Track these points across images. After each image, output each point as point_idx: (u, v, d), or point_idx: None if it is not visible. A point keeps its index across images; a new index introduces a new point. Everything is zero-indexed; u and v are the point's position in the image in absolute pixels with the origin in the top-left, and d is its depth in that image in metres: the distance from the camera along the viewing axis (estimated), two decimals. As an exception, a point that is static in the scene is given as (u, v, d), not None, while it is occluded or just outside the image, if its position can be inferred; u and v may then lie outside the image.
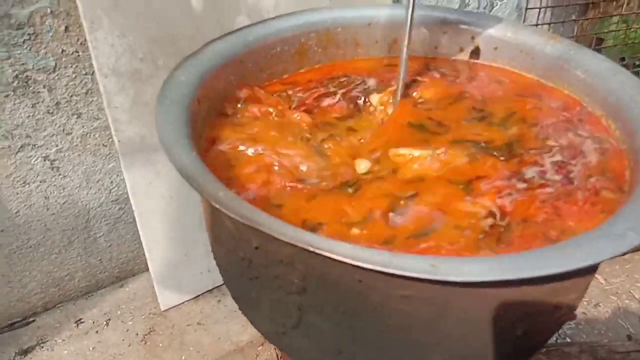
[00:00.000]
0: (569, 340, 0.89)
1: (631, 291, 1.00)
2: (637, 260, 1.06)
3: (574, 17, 1.21)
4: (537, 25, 1.13)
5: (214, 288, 0.98)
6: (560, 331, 0.91)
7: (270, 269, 0.40)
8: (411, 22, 0.54)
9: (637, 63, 1.29)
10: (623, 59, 1.20)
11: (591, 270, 0.41)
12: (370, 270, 0.31)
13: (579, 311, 0.96)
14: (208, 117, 0.54)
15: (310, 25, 0.65)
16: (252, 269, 0.42)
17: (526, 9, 1.12)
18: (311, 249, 0.32)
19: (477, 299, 0.35)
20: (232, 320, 0.92)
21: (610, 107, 0.53)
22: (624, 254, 0.32)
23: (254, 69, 0.62)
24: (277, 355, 0.83)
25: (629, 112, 0.50)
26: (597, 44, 1.26)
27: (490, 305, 0.36)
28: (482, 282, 0.30)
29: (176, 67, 0.52)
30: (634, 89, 0.51)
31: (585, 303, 0.98)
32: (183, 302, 0.96)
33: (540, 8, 1.13)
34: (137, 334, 0.91)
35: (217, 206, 0.35)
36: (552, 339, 0.89)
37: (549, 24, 1.16)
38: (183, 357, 0.86)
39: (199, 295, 0.97)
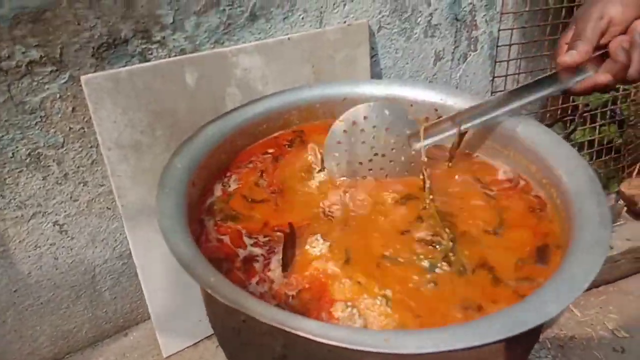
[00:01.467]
0: (545, 373, 0.95)
1: (605, 322, 1.06)
2: (611, 292, 1.13)
3: (542, 67, 1.30)
4: (506, 76, 1.21)
5: (212, 334, 1.04)
6: (538, 364, 0.97)
7: (256, 338, 0.47)
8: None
9: (607, 101, 1.37)
10: (587, 104, 1.29)
11: (526, 334, 0.48)
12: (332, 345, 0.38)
13: (555, 344, 1.02)
14: (201, 193, 0.62)
15: (294, 103, 0.74)
16: (241, 336, 0.49)
17: (495, 61, 1.21)
18: (283, 328, 0.39)
19: (428, 362, 0.42)
20: (230, 365, 0.98)
21: (554, 177, 0.60)
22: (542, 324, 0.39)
23: (241, 144, 0.70)
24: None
25: (568, 182, 0.57)
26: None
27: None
28: (421, 354, 0.37)
29: (174, 153, 0.59)
30: (574, 161, 0.59)
31: (562, 335, 1.04)
32: (184, 349, 1.02)
33: (508, 61, 1.21)
34: (142, 382, 0.97)
35: (209, 291, 0.43)
36: (529, 372, 0.95)
37: (518, 74, 1.25)
38: (185, 403, 0.93)
39: (198, 342, 1.04)
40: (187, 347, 1.02)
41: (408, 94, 0.74)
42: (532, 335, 0.51)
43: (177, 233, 0.49)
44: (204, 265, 0.46)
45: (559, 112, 1.29)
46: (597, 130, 1.35)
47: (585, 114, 1.28)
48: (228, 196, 0.62)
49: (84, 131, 0.83)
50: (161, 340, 1.00)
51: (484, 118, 0.64)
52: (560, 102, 1.31)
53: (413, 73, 1.15)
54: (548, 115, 1.32)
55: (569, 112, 1.29)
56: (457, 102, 0.71)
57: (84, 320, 1.00)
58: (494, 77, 1.23)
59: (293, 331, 0.39)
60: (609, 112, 1.37)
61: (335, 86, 0.75)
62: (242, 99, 0.89)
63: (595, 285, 1.13)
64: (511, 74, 1.22)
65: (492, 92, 1.27)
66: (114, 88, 0.79)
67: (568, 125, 1.32)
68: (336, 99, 0.74)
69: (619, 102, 1.36)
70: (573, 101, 1.29)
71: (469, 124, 0.64)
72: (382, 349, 0.38)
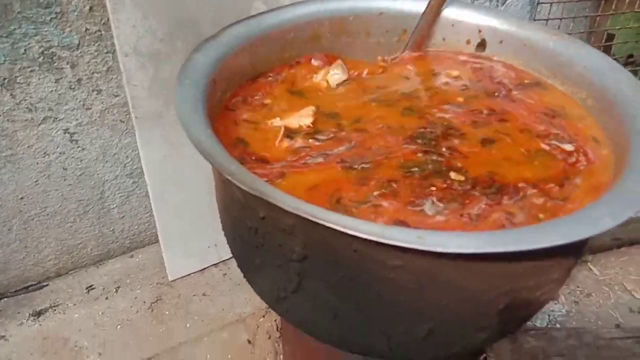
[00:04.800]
0: (558, 326, 0.92)
1: (624, 283, 1.03)
2: (633, 253, 1.09)
3: (586, 13, 1.23)
4: (547, 20, 1.15)
5: (219, 262, 1.02)
6: (551, 317, 0.94)
7: (275, 237, 0.44)
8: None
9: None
10: (631, 55, 1.22)
11: (570, 251, 0.44)
12: (364, 239, 0.34)
13: (570, 299, 0.99)
14: (222, 96, 0.58)
15: (324, 13, 0.68)
16: (258, 237, 0.45)
17: (537, 3, 1.14)
18: (311, 218, 0.35)
19: (460, 271, 0.39)
20: (236, 293, 0.97)
21: (607, 103, 0.55)
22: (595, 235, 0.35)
23: (267, 54, 0.65)
24: (277, 327, 0.87)
25: (624, 108, 0.52)
26: (608, 40, 1.28)
27: (473, 278, 0.40)
28: (461, 254, 0.34)
29: (195, 49, 0.55)
30: (631, 86, 0.54)
31: (578, 292, 1.01)
32: (190, 274, 1.01)
33: (551, 3, 1.14)
34: (145, 302, 0.95)
35: (230, 178, 0.39)
36: (542, 324, 0.92)
37: (560, 18, 1.18)
38: (188, 325, 0.91)
39: (205, 268, 1.02)
40: (194, 273, 1.01)
41: (451, 13, 0.68)
42: (572, 257, 0.47)
43: (196, 122, 0.45)
44: (224, 154, 0.42)
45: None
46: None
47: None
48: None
49: (101, 34, 0.79)
50: (168, 263, 0.98)
51: None
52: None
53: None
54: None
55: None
56: (503, 24, 0.66)
57: (90, 237, 0.98)
58: (534, 20, 1.16)
59: (321, 222, 0.35)
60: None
61: (372, -1, 0.70)
62: (268, 14, 0.83)
63: (617, 245, 1.09)
64: (553, 18, 1.15)
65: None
66: (135, -13, 0.74)
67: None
68: (372, 12, 0.69)
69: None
70: (614, 54, 1.23)
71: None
72: (416, 245, 0.34)
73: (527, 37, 0.64)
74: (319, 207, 0.37)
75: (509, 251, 0.34)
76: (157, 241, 0.97)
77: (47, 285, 0.98)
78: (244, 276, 0.54)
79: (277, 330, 0.87)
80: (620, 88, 0.54)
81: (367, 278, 0.40)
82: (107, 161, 0.91)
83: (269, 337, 0.87)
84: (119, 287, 0.98)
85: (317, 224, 0.35)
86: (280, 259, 0.44)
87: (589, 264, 1.06)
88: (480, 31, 0.67)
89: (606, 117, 0.54)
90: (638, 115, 0.49)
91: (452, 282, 0.39)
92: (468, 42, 0.68)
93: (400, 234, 0.35)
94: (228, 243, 0.54)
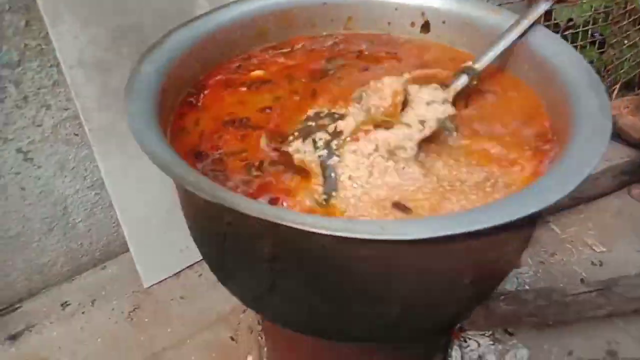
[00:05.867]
0: (527, 287, 0.96)
1: (584, 239, 1.08)
2: (589, 209, 1.14)
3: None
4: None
5: (194, 263, 1.02)
6: (519, 280, 0.98)
7: (243, 241, 0.44)
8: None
9: (587, 21, 1.35)
10: (571, 19, 1.26)
11: (525, 224, 0.46)
12: (328, 235, 0.35)
13: (536, 260, 1.03)
14: (175, 104, 0.58)
15: (268, 8, 0.68)
16: (226, 242, 0.46)
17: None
18: (276, 220, 0.36)
19: (424, 254, 0.40)
20: (213, 292, 0.97)
21: (548, 74, 0.57)
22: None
23: (215, 53, 0.65)
24: (258, 321, 0.88)
25: (565, 78, 0.55)
26: (549, 5, 1.31)
27: (437, 259, 0.41)
28: (422, 240, 0.35)
29: (140, 58, 0.54)
30: (569, 56, 0.56)
31: (542, 252, 1.05)
32: (165, 279, 1.00)
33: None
34: (123, 312, 0.95)
35: (190, 189, 0.39)
36: (512, 287, 0.96)
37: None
38: (169, 330, 0.91)
39: (180, 271, 1.01)
40: (169, 277, 1.00)
41: (394, -5, 0.69)
42: (529, 228, 0.50)
43: (149, 133, 0.45)
44: (182, 164, 0.42)
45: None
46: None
47: (566, 33, 1.25)
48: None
49: (42, 48, 0.77)
50: (141, 271, 0.98)
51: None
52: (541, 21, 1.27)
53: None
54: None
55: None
56: (444, 4, 0.67)
57: (59, 254, 0.96)
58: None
59: (286, 224, 0.36)
60: (589, 32, 1.34)
61: (313, -11, 0.70)
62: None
63: (574, 204, 1.14)
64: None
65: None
66: (72, -2, 0.72)
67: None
68: (315, 3, 0.69)
69: (600, 21, 1.34)
70: (554, 19, 1.26)
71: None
72: (379, 236, 0.36)
73: (468, 16, 0.66)
74: (283, 209, 0.38)
75: (462, 232, 0.35)
76: (128, 250, 0.96)
77: (20, 307, 0.96)
78: (218, 280, 0.54)
79: (259, 324, 0.88)
80: (561, 59, 0.56)
81: (336, 270, 0.41)
82: (66, 176, 0.90)
83: (251, 332, 0.88)
84: (94, 300, 0.97)
85: (281, 225, 0.36)
86: (251, 261, 0.45)
87: (550, 224, 1.11)
88: (423, 13, 0.68)
89: (547, 88, 0.56)
90: (579, 85, 0.51)
91: (418, 265, 0.41)
92: (412, 24, 0.70)
93: (362, 227, 0.36)
94: (198, 249, 0.55)
